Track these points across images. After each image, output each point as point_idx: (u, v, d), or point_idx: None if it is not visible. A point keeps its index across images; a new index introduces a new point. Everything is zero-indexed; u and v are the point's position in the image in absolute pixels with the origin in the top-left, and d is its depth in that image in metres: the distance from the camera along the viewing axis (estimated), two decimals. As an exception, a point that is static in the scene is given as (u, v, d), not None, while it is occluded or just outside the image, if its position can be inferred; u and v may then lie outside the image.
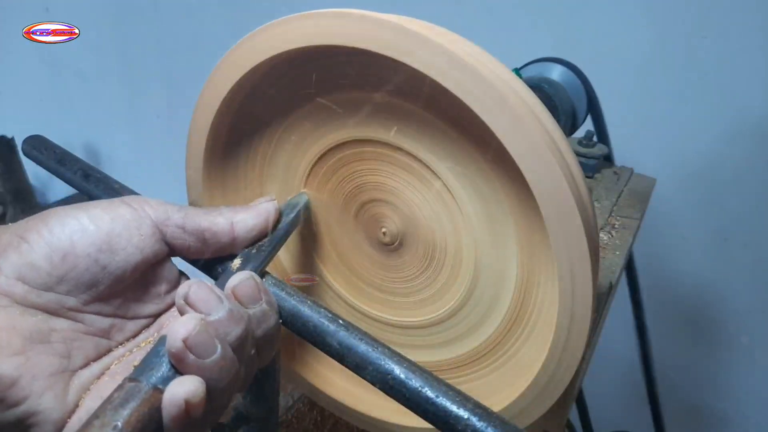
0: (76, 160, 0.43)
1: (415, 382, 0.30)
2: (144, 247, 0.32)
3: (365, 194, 0.42)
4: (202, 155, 0.43)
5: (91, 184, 0.41)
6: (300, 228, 0.46)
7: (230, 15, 1.40)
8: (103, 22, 1.65)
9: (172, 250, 0.35)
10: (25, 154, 0.46)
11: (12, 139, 1.71)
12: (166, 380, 0.26)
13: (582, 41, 0.99)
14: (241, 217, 0.36)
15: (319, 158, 0.43)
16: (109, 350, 0.33)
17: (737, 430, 1.19)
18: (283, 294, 0.35)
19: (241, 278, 0.32)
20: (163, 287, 0.35)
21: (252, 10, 1.35)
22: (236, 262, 0.35)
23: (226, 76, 0.38)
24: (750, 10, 0.86)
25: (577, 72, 0.79)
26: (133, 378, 0.26)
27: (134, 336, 0.34)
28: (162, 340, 0.28)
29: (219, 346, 0.28)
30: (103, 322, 0.33)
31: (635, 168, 0.83)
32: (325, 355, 0.33)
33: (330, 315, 0.33)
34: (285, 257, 0.49)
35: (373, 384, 0.31)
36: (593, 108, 0.80)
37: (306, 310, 0.34)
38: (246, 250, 0.36)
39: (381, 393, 0.31)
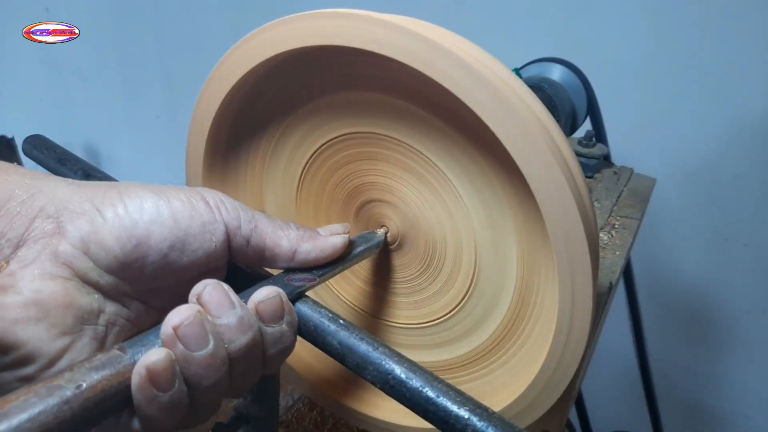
0: (76, 160, 0.43)
1: (415, 382, 0.30)
2: (213, 252, 0.32)
3: (365, 194, 0.42)
4: (202, 155, 0.43)
5: (91, 184, 0.41)
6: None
7: (230, 15, 1.40)
8: (103, 22, 1.65)
9: (231, 255, 0.34)
10: (26, 154, 0.46)
11: (12, 139, 1.71)
12: None
13: (582, 41, 0.99)
14: (306, 248, 0.35)
15: (319, 158, 0.43)
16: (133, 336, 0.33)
17: (737, 430, 1.19)
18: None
19: (267, 293, 0.31)
20: None
21: (252, 10, 1.35)
22: (278, 280, 0.34)
23: (226, 76, 0.38)
24: (750, 11, 0.86)
25: (577, 72, 0.79)
26: (122, 347, 0.26)
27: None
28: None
29: (212, 344, 0.27)
30: (145, 310, 0.32)
31: (635, 168, 0.83)
32: (325, 355, 0.33)
33: (330, 315, 0.33)
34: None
35: (374, 384, 0.31)
36: (593, 108, 0.80)
37: (306, 310, 0.33)
38: (293, 272, 0.35)
39: (381, 393, 0.31)
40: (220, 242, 0.32)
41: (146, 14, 1.57)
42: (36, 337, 0.26)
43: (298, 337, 0.34)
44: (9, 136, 1.70)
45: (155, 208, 0.30)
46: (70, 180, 0.30)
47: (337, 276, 0.47)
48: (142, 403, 0.25)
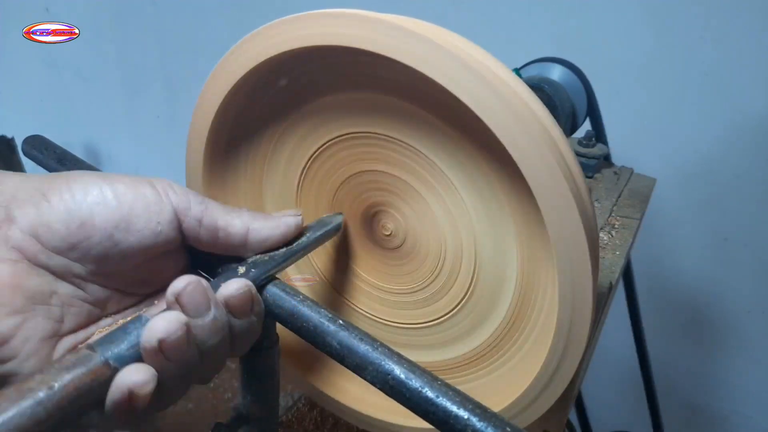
0: (76, 160, 0.43)
1: (415, 383, 0.30)
2: (159, 232, 0.32)
3: (367, 194, 0.42)
4: (203, 155, 0.43)
5: (91, 184, 0.41)
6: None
7: (230, 15, 1.40)
8: (103, 22, 1.65)
9: (184, 238, 0.35)
10: (25, 154, 0.46)
11: (12, 139, 1.71)
12: (120, 358, 0.27)
13: (582, 41, 0.99)
14: (258, 226, 0.35)
15: (319, 158, 0.43)
16: (99, 319, 0.33)
17: (737, 430, 1.19)
18: (279, 291, 0.35)
19: (236, 287, 0.31)
20: (169, 272, 0.35)
21: (252, 10, 1.35)
22: (240, 268, 0.35)
23: (227, 76, 0.38)
24: (750, 11, 0.86)
25: (577, 72, 0.79)
26: (91, 346, 0.26)
27: (125, 309, 0.35)
28: (138, 319, 0.28)
29: (191, 351, 0.28)
30: (103, 293, 0.33)
31: (635, 168, 0.83)
32: (325, 355, 0.33)
33: (330, 315, 0.33)
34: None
35: (373, 384, 0.31)
36: (593, 108, 0.80)
37: (306, 310, 0.33)
38: (257, 256, 0.36)
39: (381, 393, 0.31)
40: (166, 222, 0.32)
41: (146, 14, 1.57)
42: None
43: (298, 338, 0.34)
44: (9, 136, 1.70)
45: (98, 190, 0.31)
46: (21, 173, 0.32)
47: (339, 273, 0.47)
48: (117, 417, 0.26)
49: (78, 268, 0.31)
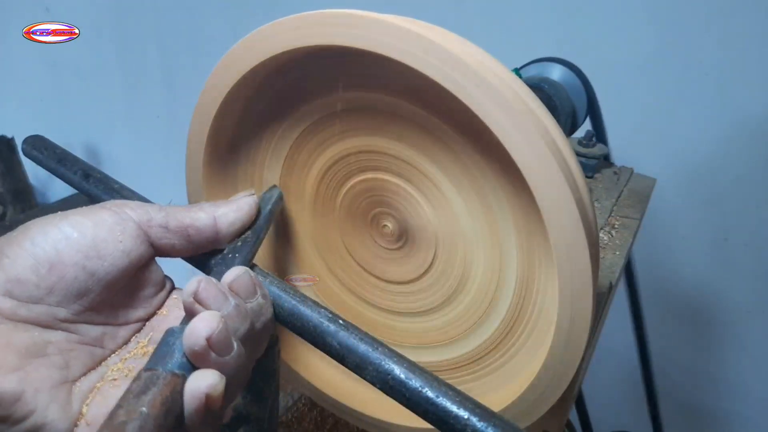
0: (76, 160, 0.43)
1: (415, 383, 0.30)
2: (130, 250, 0.32)
3: (368, 193, 0.42)
4: (202, 155, 0.43)
5: (91, 184, 0.41)
6: (304, 228, 0.46)
7: (230, 15, 1.40)
8: (103, 22, 1.65)
9: (157, 251, 0.34)
10: (25, 154, 0.46)
11: (12, 139, 1.71)
12: (182, 366, 0.27)
13: (582, 41, 0.99)
14: (223, 211, 0.36)
15: (321, 157, 0.43)
16: (104, 358, 0.33)
17: (737, 430, 1.19)
18: (279, 291, 0.35)
19: (237, 273, 0.32)
20: (150, 290, 0.35)
21: (252, 10, 1.35)
22: (228, 256, 0.35)
23: (227, 76, 0.38)
24: (750, 11, 0.86)
25: (577, 72, 0.79)
26: (149, 368, 0.26)
27: (125, 343, 0.34)
28: (170, 333, 0.28)
29: (235, 344, 0.28)
30: (96, 330, 0.32)
31: (635, 168, 0.83)
32: (325, 355, 0.33)
33: (330, 315, 0.33)
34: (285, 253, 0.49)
35: (373, 384, 0.31)
36: (593, 108, 0.80)
37: (306, 310, 0.33)
38: (231, 244, 0.36)
39: (381, 393, 0.31)
40: (133, 237, 0.32)
41: (146, 14, 1.57)
42: None
43: (298, 338, 0.34)
44: (9, 136, 1.70)
45: (57, 229, 0.31)
46: None
47: (337, 277, 0.47)
48: (199, 424, 0.26)
49: (62, 312, 0.30)
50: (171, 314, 0.36)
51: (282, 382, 0.43)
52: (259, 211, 0.38)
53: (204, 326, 0.27)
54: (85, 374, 0.31)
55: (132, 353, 0.33)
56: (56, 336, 0.31)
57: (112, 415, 0.24)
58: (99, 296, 0.32)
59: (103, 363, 0.33)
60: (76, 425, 0.29)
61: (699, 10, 0.89)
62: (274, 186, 0.44)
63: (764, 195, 0.96)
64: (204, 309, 0.29)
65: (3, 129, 1.66)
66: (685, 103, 0.96)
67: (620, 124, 0.85)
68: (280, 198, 0.43)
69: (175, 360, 0.27)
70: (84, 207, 0.33)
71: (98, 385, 0.31)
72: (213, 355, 0.27)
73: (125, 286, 0.33)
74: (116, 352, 0.34)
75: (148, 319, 0.36)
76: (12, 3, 1.78)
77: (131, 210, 0.33)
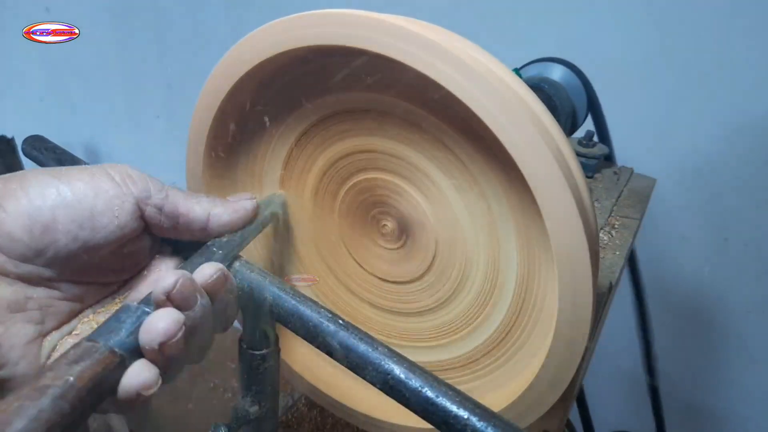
0: (76, 160, 0.43)
1: (414, 382, 0.30)
2: (124, 225, 0.33)
3: (368, 193, 0.42)
4: (202, 155, 0.43)
5: (91, 184, 0.41)
6: (304, 228, 0.46)
7: (231, 15, 1.40)
8: (103, 22, 1.65)
9: (147, 226, 0.35)
10: (25, 154, 0.46)
11: (12, 139, 1.71)
12: (123, 345, 0.27)
13: (582, 41, 0.99)
14: (218, 212, 0.36)
15: (321, 157, 0.43)
16: (79, 312, 0.33)
17: (737, 430, 1.19)
18: (279, 291, 0.35)
19: (210, 272, 0.32)
20: (137, 257, 0.36)
21: (252, 9, 1.35)
22: (210, 249, 0.36)
23: (227, 75, 0.38)
24: (750, 11, 0.86)
25: (578, 72, 0.79)
26: (91, 338, 0.27)
27: (104, 297, 0.35)
28: (127, 308, 0.28)
29: (188, 343, 0.29)
30: (79, 289, 0.33)
31: (635, 168, 0.83)
32: (325, 355, 0.33)
33: (330, 315, 0.33)
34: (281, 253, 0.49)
35: (373, 384, 0.31)
36: (593, 108, 0.80)
37: (306, 310, 0.34)
38: (217, 239, 0.37)
39: (381, 393, 0.31)
40: (129, 214, 0.33)
41: (146, 14, 1.57)
42: None
43: (298, 338, 0.34)
44: (9, 136, 1.70)
45: (56, 191, 0.30)
46: None
47: (341, 273, 0.47)
48: (129, 407, 0.27)
49: (48, 272, 0.31)
50: (150, 276, 0.36)
51: (282, 382, 0.43)
52: (255, 216, 0.38)
53: (163, 326, 0.27)
54: (57, 328, 0.32)
55: (106, 308, 0.34)
56: (38, 292, 0.31)
57: (40, 375, 0.24)
58: (86, 261, 0.32)
59: (77, 317, 0.33)
60: None
61: (699, 10, 0.89)
62: (279, 193, 0.44)
63: (764, 195, 0.96)
64: (170, 306, 0.29)
65: (3, 129, 1.66)
66: (685, 103, 0.95)
67: (620, 124, 0.85)
68: (282, 206, 0.43)
69: (119, 338, 0.27)
70: (88, 168, 0.33)
71: (66, 338, 0.31)
72: (162, 355, 0.27)
73: (113, 253, 0.34)
74: (92, 306, 0.34)
75: (132, 280, 0.36)
76: (12, 3, 1.78)
77: (134, 184, 0.33)
